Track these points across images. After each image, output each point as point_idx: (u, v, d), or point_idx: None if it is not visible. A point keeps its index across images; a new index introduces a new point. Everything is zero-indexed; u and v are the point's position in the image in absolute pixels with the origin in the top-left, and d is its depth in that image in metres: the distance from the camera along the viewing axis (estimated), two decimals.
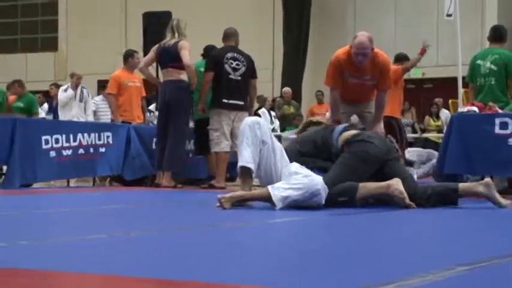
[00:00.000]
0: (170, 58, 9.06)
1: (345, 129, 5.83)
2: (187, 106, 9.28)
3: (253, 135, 5.47)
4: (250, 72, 9.24)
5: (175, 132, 9.11)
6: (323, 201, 5.24)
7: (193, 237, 3.77)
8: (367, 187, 5.51)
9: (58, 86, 15.02)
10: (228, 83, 9.06)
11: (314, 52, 20.41)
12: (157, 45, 9.32)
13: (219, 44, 9.63)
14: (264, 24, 21.65)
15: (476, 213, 5.53)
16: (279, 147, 5.63)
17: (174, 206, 6.51)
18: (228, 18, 20.40)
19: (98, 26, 23.56)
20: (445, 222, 4.99)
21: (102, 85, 14.18)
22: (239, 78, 9.13)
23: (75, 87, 13.20)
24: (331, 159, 5.67)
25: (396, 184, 5.47)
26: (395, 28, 20.29)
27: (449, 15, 10.84)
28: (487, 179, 5.80)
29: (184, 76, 9.10)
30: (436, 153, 10.22)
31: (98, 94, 14.22)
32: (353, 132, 5.85)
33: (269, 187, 5.26)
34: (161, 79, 9.57)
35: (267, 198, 5.23)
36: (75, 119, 12.43)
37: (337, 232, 4.26)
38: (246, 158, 5.45)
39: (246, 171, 5.51)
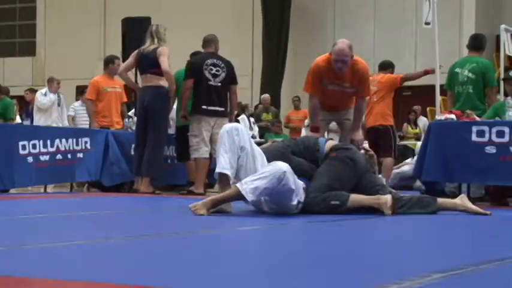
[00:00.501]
0: (149, 64, 9.05)
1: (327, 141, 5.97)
2: (165, 112, 9.28)
3: (231, 142, 5.47)
4: (230, 78, 9.25)
5: (154, 138, 9.11)
6: (292, 186, 5.24)
7: (171, 243, 3.78)
8: (358, 197, 5.58)
9: (33, 91, 14.95)
10: (207, 89, 9.06)
11: (293, 59, 20.45)
12: (136, 51, 9.32)
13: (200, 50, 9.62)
14: (243, 31, 21.68)
15: (454, 221, 5.57)
16: (259, 152, 5.64)
17: (152, 212, 6.50)
18: (207, 24, 20.41)
19: (77, 31, 23.47)
20: (422, 229, 5.02)
21: (80, 90, 14.15)
22: (219, 84, 9.14)
23: (54, 92, 13.18)
24: (317, 164, 5.70)
25: (385, 199, 5.52)
26: (375, 36, 20.38)
27: (427, 24, 10.90)
28: (462, 195, 5.93)
29: (163, 82, 9.10)
30: None
31: (77, 99, 14.17)
32: (337, 142, 6.00)
33: (237, 184, 5.27)
34: (140, 85, 9.56)
35: (238, 195, 5.21)
36: (54, 124, 12.40)
37: (311, 239, 4.28)
38: (223, 165, 5.45)
39: (224, 177, 5.50)
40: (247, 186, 5.18)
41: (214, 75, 9.12)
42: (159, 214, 6.30)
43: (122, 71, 9.54)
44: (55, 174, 9.26)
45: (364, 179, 5.77)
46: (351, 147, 6.01)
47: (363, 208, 5.57)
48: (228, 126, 5.66)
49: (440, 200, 5.91)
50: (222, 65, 9.19)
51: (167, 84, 9.09)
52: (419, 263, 3.14)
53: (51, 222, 5.18)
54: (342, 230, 4.80)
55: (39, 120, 13.16)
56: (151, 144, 9.09)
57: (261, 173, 5.22)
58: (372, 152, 6.28)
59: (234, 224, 4.98)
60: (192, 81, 9.04)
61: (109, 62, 10.50)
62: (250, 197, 5.17)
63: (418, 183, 10.61)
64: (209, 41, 9.33)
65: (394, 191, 6.20)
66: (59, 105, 13.39)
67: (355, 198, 5.56)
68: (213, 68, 9.12)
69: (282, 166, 5.21)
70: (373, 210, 5.55)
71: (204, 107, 9.05)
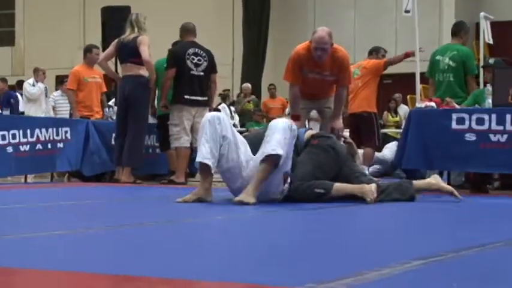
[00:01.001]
0: (129, 53, 9.01)
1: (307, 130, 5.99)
2: (146, 101, 9.25)
3: (212, 131, 5.45)
4: (211, 67, 9.24)
5: (135, 128, 9.08)
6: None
7: (152, 233, 3.78)
8: (342, 185, 5.61)
9: (4, 81, 14.89)
10: (190, 79, 9.03)
11: (274, 47, 20.45)
12: (116, 40, 9.26)
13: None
14: (223, 20, 21.64)
15: (434, 208, 5.61)
16: (242, 141, 5.63)
17: (133, 202, 6.49)
18: (187, 13, 20.32)
19: (56, 20, 23.34)
20: (403, 216, 5.05)
21: (60, 80, 14.10)
22: (201, 73, 9.11)
23: (42, 81, 13.19)
24: (296, 153, 5.72)
25: (369, 187, 5.54)
26: (355, 24, 20.42)
27: (407, 11, 10.91)
28: (435, 175, 6.03)
29: (143, 71, 9.06)
30: None
31: (56, 89, 14.12)
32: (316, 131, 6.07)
33: (265, 153, 5.26)
34: (120, 74, 9.52)
35: (272, 161, 5.25)
36: (43, 115, 12.38)
37: (294, 226, 4.29)
38: (204, 154, 5.42)
39: (205, 167, 5.48)
40: (269, 148, 5.22)
41: (196, 65, 9.09)
42: (139, 204, 6.29)
43: (102, 61, 9.49)
44: (35, 164, 9.21)
45: (344, 167, 5.83)
46: (331, 136, 6.04)
47: (346, 196, 5.59)
48: (209, 115, 5.64)
49: (415, 182, 6.00)
50: (204, 54, 9.17)
51: (147, 73, 9.05)
52: (399, 250, 3.15)
53: (31, 212, 5.16)
54: (322, 218, 4.82)
55: (29, 110, 13.15)
56: (131, 134, 9.06)
57: (271, 133, 5.29)
58: (350, 140, 6.30)
59: (214, 213, 4.98)
60: (174, 70, 9.01)
61: (87, 51, 10.45)
62: (279, 151, 5.21)
63: (397, 170, 10.65)
64: (189, 30, 9.28)
65: (375, 179, 6.23)
66: (46, 95, 13.39)
67: (339, 186, 5.59)
68: (194, 57, 9.09)
69: (280, 119, 5.43)
70: (356, 198, 5.58)
71: (186, 96, 9.02)
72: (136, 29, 9.07)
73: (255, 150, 5.54)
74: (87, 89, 10.26)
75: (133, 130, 9.07)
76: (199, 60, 9.11)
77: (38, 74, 13.29)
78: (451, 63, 8.50)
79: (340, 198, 5.58)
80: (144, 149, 9.55)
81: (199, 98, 9.11)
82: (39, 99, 13.18)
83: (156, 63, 9.38)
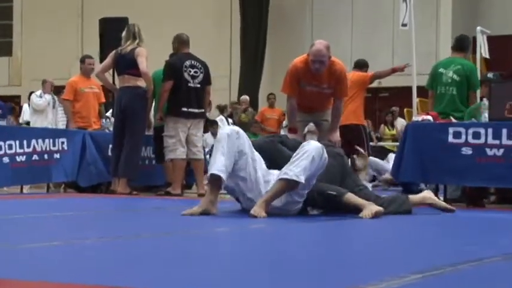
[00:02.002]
0: (127, 65, 9.01)
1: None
2: (143, 113, 9.24)
3: (230, 145, 5.33)
4: (207, 79, 9.24)
5: (131, 139, 9.07)
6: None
7: (148, 244, 3.76)
8: (355, 197, 5.57)
9: None
10: (187, 91, 9.02)
11: (271, 60, 20.48)
12: (114, 51, 9.27)
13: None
14: (221, 32, 21.67)
15: (431, 221, 5.60)
16: (258, 156, 5.56)
17: (129, 213, 6.47)
18: (185, 25, 20.27)
19: (54, 31, 23.33)
20: (400, 229, 5.03)
21: (58, 91, 14.10)
22: (198, 85, 9.12)
23: (48, 92, 13.29)
24: None
25: (378, 209, 5.52)
26: (352, 37, 20.45)
27: (404, 25, 10.96)
28: (427, 190, 6.07)
29: (141, 83, 9.06)
30: None
31: None
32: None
33: (281, 176, 5.24)
34: (118, 85, 9.50)
35: (288, 184, 5.24)
36: (49, 126, 12.41)
37: (290, 240, 4.27)
38: (219, 166, 5.28)
39: (216, 179, 5.33)
40: (294, 170, 5.19)
41: (193, 77, 9.09)
42: (136, 215, 6.27)
43: (100, 72, 9.47)
44: (31, 175, 9.19)
45: (349, 179, 5.85)
46: (337, 146, 6.11)
47: (354, 208, 5.54)
48: (228, 129, 5.50)
49: (410, 196, 6.02)
50: (200, 66, 9.17)
51: (145, 84, 9.05)
52: (396, 263, 3.14)
53: (27, 222, 5.13)
54: (318, 231, 4.80)
55: (35, 122, 13.22)
56: (128, 146, 9.05)
57: (301, 154, 5.25)
58: (363, 152, 6.36)
59: (212, 224, 4.96)
60: (171, 83, 9.00)
61: (81, 62, 10.51)
62: (302, 178, 5.19)
63: (386, 175, 10.64)
64: (184, 41, 9.27)
65: (376, 193, 6.24)
66: (53, 106, 13.44)
67: (352, 197, 5.54)
68: (191, 69, 9.09)
69: (316, 143, 5.34)
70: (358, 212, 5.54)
71: (184, 109, 9.01)
72: (137, 41, 9.06)
73: (265, 159, 5.54)
74: (83, 99, 10.25)
75: (130, 141, 9.06)
76: (195, 72, 9.11)
77: (46, 85, 13.43)
78: (455, 77, 8.44)
79: (347, 207, 5.55)
80: (140, 161, 9.54)
81: (196, 110, 9.11)
82: (46, 111, 13.27)
83: (153, 74, 9.38)
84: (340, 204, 5.50)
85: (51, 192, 9.95)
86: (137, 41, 9.06)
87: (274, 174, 5.43)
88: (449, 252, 3.58)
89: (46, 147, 9.26)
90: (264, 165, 5.54)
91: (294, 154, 5.35)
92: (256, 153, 5.54)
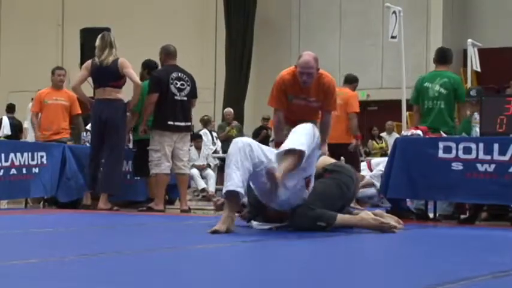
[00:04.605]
0: (110, 77, 8.95)
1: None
2: (124, 126, 9.21)
3: (243, 159, 5.31)
4: (194, 92, 9.24)
5: (113, 153, 9.02)
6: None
7: (129, 262, 3.75)
8: (344, 218, 5.62)
9: None
10: (173, 104, 9.00)
11: (257, 72, 20.51)
12: (90, 63, 9.17)
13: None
14: (205, 43, 21.69)
15: (419, 239, 5.61)
16: (270, 153, 5.54)
17: (110, 229, 6.45)
18: (169, 35, 20.24)
19: (33, 40, 23.29)
20: (387, 247, 5.04)
21: None
22: (184, 98, 9.11)
23: None
24: None
25: (366, 215, 5.56)
26: (340, 49, 20.52)
27: (393, 37, 11.02)
28: (365, 211, 5.94)
29: (121, 95, 9.03)
30: None
31: None
32: (330, 159, 6.16)
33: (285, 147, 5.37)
34: (95, 97, 9.38)
35: (298, 157, 5.33)
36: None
37: (277, 259, 4.27)
38: (237, 182, 5.25)
39: (235, 195, 5.30)
40: (295, 143, 5.32)
41: (180, 89, 9.08)
42: (116, 231, 6.25)
43: (76, 85, 9.29)
44: (9, 190, 9.16)
45: (348, 207, 5.97)
46: (344, 171, 5.96)
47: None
48: (240, 142, 5.45)
49: (341, 216, 5.76)
50: (187, 79, 9.16)
51: (124, 97, 9.02)
52: (385, 283, 3.15)
53: (4, 239, 5.11)
54: (307, 249, 4.80)
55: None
56: (110, 160, 9.02)
57: (294, 132, 5.43)
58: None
59: (195, 241, 4.96)
60: (156, 95, 8.99)
61: (52, 73, 10.59)
62: (305, 149, 5.32)
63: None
64: (171, 53, 9.26)
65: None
66: None
67: (342, 220, 5.60)
68: (178, 81, 9.08)
69: (307, 125, 5.52)
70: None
71: (170, 122, 9.00)
72: (113, 50, 9.04)
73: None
74: (45, 111, 10.31)
75: (111, 156, 9.02)
76: (182, 84, 9.10)
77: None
78: (442, 90, 8.43)
79: (348, 227, 5.63)
80: (122, 175, 9.51)
81: (182, 124, 9.09)
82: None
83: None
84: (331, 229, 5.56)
85: (30, 208, 9.91)
86: (114, 50, 9.03)
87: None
88: (437, 271, 3.59)
89: (25, 161, 9.23)
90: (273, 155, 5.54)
91: (288, 136, 5.51)
92: (269, 152, 5.51)
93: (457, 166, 7.29)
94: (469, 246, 5.35)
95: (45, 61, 22.66)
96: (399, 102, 10.62)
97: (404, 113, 10.61)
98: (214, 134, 16.31)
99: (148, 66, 9.93)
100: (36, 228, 6.35)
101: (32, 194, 9.63)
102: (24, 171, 9.23)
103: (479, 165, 7.22)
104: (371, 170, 11.13)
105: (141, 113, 9.33)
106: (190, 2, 22.07)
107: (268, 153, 5.49)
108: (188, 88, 9.14)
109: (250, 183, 5.53)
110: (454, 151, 7.32)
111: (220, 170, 14.19)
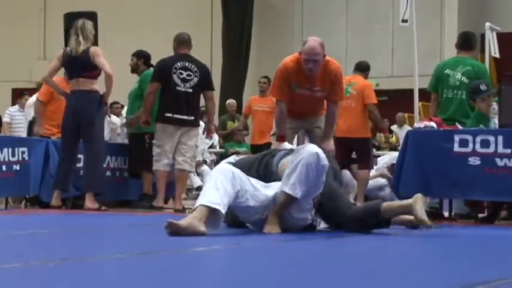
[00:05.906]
0: (82, 68, 8.79)
1: (284, 156, 5.88)
2: (101, 119, 9.09)
3: (224, 182, 5.27)
4: (204, 83, 9.18)
5: (93, 148, 8.91)
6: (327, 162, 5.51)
7: (116, 266, 3.75)
8: (390, 205, 5.76)
9: None
10: (175, 95, 8.99)
11: (257, 60, 20.47)
12: (62, 52, 9.07)
13: (151, 49, 9.57)
14: (200, 28, 21.64)
15: (436, 240, 5.61)
16: (257, 182, 5.57)
17: (97, 231, 6.45)
18: (160, 21, 20.33)
19: (13, 27, 23.23)
20: (403, 249, 5.05)
21: (19, 93, 14.08)
22: (190, 90, 9.08)
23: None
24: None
25: (415, 204, 5.55)
26: (347, 34, 20.50)
27: (405, 21, 10.99)
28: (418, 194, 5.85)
29: (96, 86, 8.96)
30: None
31: (13, 104, 14.08)
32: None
33: (283, 189, 5.45)
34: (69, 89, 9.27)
35: (290, 198, 5.41)
36: None
37: (284, 259, 4.28)
38: (212, 199, 5.19)
39: (214, 212, 5.23)
40: (288, 184, 5.39)
41: (184, 80, 9.05)
42: (103, 233, 6.25)
43: (48, 77, 9.17)
44: None
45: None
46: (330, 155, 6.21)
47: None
48: (223, 168, 5.46)
49: (387, 203, 5.99)
50: (195, 69, 9.12)
51: (99, 88, 8.95)
52: (402, 287, 3.15)
53: None
54: (307, 251, 4.81)
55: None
56: (90, 156, 8.95)
57: (295, 165, 5.42)
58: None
59: (191, 244, 4.96)
60: (156, 85, 9.01)
61: None
62: (297, 193, 5.40)
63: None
64: (182, 42, 9.24)
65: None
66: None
67: (388, 207, 5.69)
68: (183, 71, 9.05)
69: (311, 149, 5.48)
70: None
71: (168, 114, 8.98)
72: (81, 38, 8.93)
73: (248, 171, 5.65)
74: (58, 103, 9.96)
75: (91, 151, 8.93)
76: (188, 75, 9.07)
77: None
78: (464, 79, 8.27)
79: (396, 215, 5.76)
80: (107, 171, 9.51)
81: (185, 117, 9.06)
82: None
83: (143, 76, 9.43)
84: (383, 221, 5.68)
85: (11, 208, 9.90)
86: (82, 38, 8.89)
87: (273, 186, 5.59)
88: (455, 274, 3.60)
89: (4, 158, 9.19)
90: (260, 184, 5.58)
91: (291, 160, 5.49)
92: (255, 181, 5.56)
93: (474, 161, 7.29)
94: (487, 248, 5.36)
95: (26, 49, 22.67)
96: (411, 91, 10.60)
97: (417, 103, 10.61)
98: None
99: (142, 56, 9.95)
100: (18, 230, 6.35)
101: (12, 193, 9.63)
102: (4, 168, 9.21)
103: (498, 160, 7.22)
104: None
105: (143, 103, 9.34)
106: None
107: (251, 180, 5.52)
108: (196, 79, 9.09)
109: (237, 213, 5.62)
110: (470, 144, 7.31)
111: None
